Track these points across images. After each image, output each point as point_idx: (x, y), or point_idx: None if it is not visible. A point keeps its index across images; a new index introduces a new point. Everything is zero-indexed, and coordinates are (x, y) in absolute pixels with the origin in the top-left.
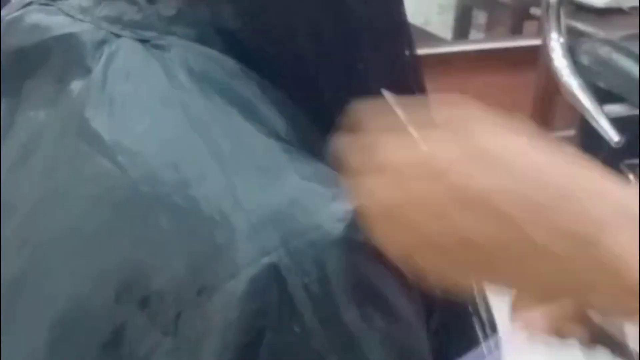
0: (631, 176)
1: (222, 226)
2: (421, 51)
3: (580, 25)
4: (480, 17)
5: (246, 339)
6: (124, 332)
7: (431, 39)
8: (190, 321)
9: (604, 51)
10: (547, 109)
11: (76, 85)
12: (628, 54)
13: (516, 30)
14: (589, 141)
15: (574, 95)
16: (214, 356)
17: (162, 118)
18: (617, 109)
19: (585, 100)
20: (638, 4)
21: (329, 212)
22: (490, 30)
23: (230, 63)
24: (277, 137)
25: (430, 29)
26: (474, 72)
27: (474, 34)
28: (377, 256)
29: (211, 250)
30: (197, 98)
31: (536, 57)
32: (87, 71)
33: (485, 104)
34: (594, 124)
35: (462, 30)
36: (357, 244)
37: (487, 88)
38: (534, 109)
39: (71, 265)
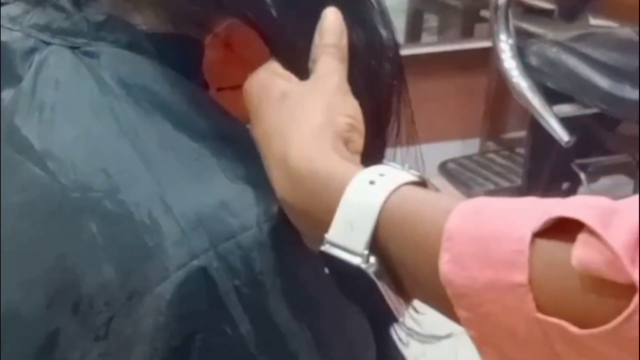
0: (582, 175)
1: (151, 230)
2: None
3: (529, 27)
4: (431, 20)
5: (176, 342)
6: (56, 338)
7: None
8: (122, 326)
9: (553, 52)
10: (499, 110)
11: (6, 94)
12: (576, 54)
13: (467, 33)
14: (540, 141)
15: (523, 96)
16: None
17: (92, 125)
18: (566, 108)
19: (535, 100)
20: None
21: (256, 213)
22: (441, 33)
23: (159, 68)
24: (205, 140)
25: None
26: (427, 75)
27: (425, 37)
28: (306, 255)
29: (141, 254)
30: (126, 104)
31: (487, 59)
32: (17, 79)
33: (438, 106)
34: (544, 124)
35: (414, 33)
36: (285, 244)
37: (440, 91)
38: (486, 110)
39: (3, 273)
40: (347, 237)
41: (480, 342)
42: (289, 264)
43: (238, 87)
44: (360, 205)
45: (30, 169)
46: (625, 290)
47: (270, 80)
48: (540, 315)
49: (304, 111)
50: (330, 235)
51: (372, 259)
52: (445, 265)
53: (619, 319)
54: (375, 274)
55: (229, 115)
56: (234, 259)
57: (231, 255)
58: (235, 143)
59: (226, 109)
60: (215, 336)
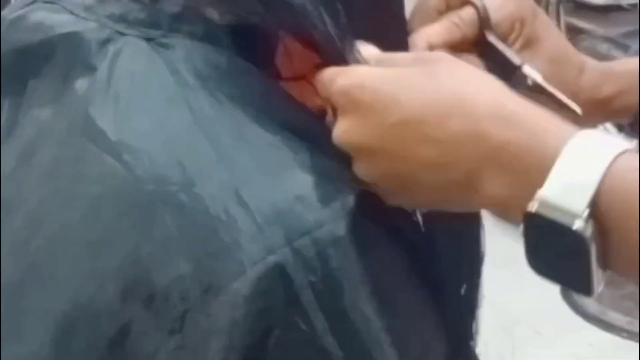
0: None
1: (227, 225)
2: None
3: (579, 23)
4: None
5: (253, 338)
6: (129, 330)
7: None
8: (196, 320)
9: (604, 48)
10: None
11: (81, 84)
12: (627, 50)
13: None
14: None
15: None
16: (221, 356)
17: (167, 116)
18: None
19: None
20: (637, 1)
21: (333, 208)
22: None
23: (233, 60)
24: (281, 133)
25: None
26: None
27: None
28: (384, 251)
29: (217, 249)
30: (202, 96)
31: None
32: (92, 70)
33: None
34: None
35: None
36: (362, 240)
37: None
38: None
39: (75, 264)
40: (566, 198)
41: None
42: (365, 261)
43: (300, 77)
44: (582, 167)
45: (105, 160)
46: None
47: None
48: None
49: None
50: (545, 193)
51: (590, 223)
52: None
53: None
54: (590, 238)
55: (303, 107)
56: (309, 255)
57: (307, 251)
58: (311, 136)
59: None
60: (291, 332)
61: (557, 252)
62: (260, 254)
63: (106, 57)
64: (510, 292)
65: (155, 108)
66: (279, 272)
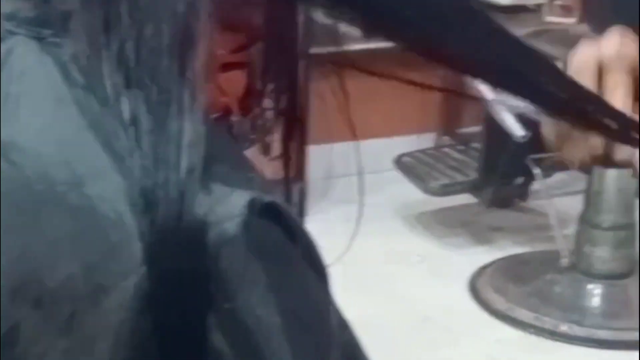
0: (536, 170)
1: (116, 225)
2: (317, 50)
3: None
4: None
5: (140, 337)
6: (19, 331)
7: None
8: (85, 321)
9: None
10: (455, 105)
11: None
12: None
13: None
14: (495, 136)
15: (478, 91)
16: (108, 356)
17: (57, 116)
18: (522, 104)
19: (490, 95)
20: (542, 2)
21: (224, 209)
22: None
23: None
24: None
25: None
26: (384, 70)
27: None
28: (277, 251)
29: (106, 249)
30: (92, 96)
31: None
32: None
33: (394, 101)
34: (498, 119)
35: None
36: (256, 241)
37: (395, 86)
38: (442, 105)
39: None
40: None
41: None
42: (259, 262)
43: None
44: None
45: None
46: None
47: None
48: None
49: None
50: None
51: None
52: None
53: None
54: None
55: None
56: None
57: None
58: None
59: None
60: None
61: None
62: None
63: None
64: (420, 289)
65: (44, 108)
66: None
